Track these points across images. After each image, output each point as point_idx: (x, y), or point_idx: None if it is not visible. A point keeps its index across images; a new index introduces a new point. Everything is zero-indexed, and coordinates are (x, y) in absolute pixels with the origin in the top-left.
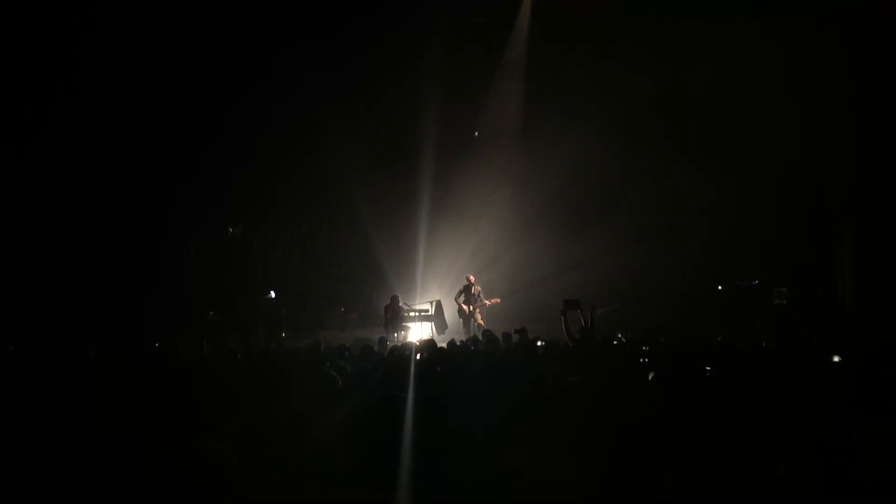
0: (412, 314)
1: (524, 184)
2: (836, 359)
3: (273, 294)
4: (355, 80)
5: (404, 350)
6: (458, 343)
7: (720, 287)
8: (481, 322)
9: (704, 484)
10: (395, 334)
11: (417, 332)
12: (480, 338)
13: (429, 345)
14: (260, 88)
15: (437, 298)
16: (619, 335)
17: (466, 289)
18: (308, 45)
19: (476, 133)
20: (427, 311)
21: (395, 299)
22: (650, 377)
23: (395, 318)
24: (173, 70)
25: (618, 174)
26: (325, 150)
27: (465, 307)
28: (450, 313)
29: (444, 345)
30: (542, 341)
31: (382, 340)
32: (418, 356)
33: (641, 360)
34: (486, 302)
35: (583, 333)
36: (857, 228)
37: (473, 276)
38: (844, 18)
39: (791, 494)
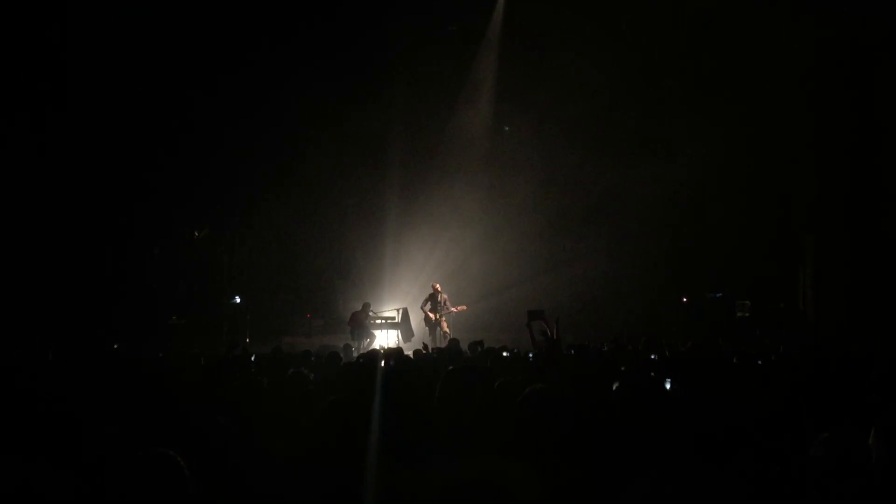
0: (378, 321)
1: (492, 191)
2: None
3: (238, 299)
4: (325, 85)
5: (370, 357)
6: (424, 351)
7: (685, 299)
8: (447, 330)
9: (665, 492)
10: (361, 342)
11: (383, 340)
12: (446, 346)
13: (395, 352)
14: (229, 91)
15: (404, 306)
16: (584, 344)
17: (432, 297)
18: (280, 50)
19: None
20: (393, 318)
21: (366, 306)
22: (614, 387)
23: (361, 325)
24: (144, 72)
25: (587, 183)
26: (294, 156)
27: (431, 315)
28: (416, 321)
29: (411, 353)
30: (507, 352)
31: (348, 347)
32: (384, 363)
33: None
34: (453, 310)
35: (548, 343)
36: (818, 244)
37: (440, 284)
38: (809, 38)
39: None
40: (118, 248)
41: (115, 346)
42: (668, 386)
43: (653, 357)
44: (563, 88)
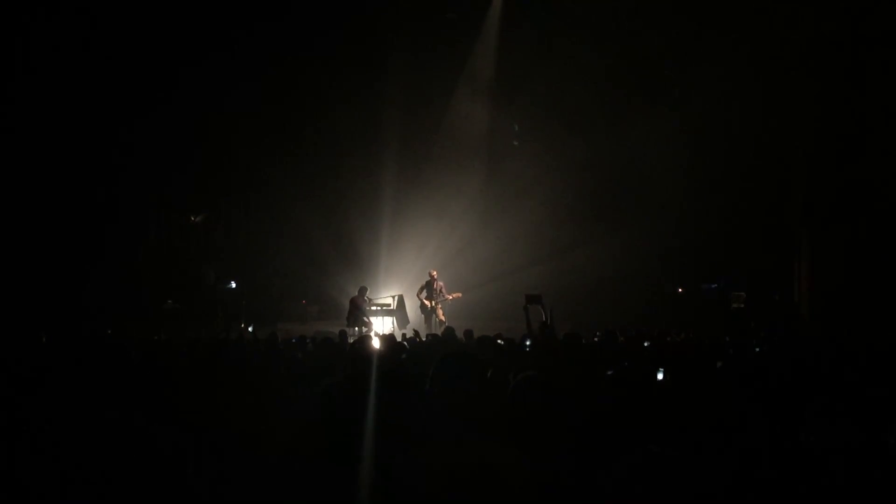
0: (374, 308)
1: (491, 178)
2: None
3: (233, 284)
4: (324, 68)
5: (365, 343)
6: (417, 338)
7: (680, 290)
8: (442, 318)
9: (654, 480)
10: (357, 328)
11: (379, 327)
12: (441, 333)
13: (389, 339)
14: (226, 72)
15: (400, 293)
16: (577, 332)
17: (428, 284)
18: (278, 31)
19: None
20: (389, 305)
21: (362, 290)
22: (608, 374)
23: (359, 310)
24: (141, 50)
25: (585, 172)
26: (291, 142)
27: (426, 302)
28: (412, 308)
29: (405, 339)
30: (502, 340)
31: (343, 333)
32: (378, 350)
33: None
34: (448, 297)
35: (542, 329)
36: (813, 237)
37: (436, 271)
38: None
39: (739, 493)
40: (113, 231)
41: (109, 331)
42: (660, 376)
43: (646, 345)
44: (562, 73)
